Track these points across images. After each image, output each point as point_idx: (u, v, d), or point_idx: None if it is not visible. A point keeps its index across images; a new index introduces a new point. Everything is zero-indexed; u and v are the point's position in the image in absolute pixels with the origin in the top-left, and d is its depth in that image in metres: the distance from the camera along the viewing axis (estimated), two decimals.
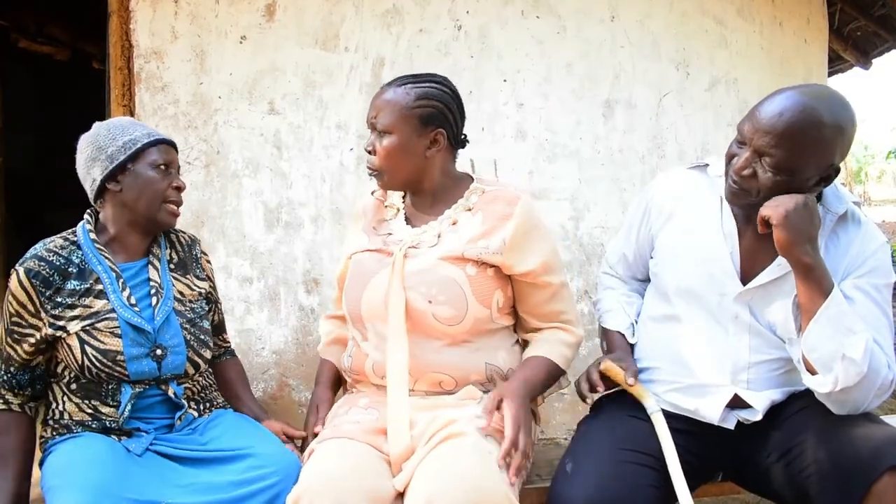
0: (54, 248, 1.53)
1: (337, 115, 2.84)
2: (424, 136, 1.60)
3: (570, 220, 3.04)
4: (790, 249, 1.40)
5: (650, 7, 3.12)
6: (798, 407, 1.54)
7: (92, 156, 1.55)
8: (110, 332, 1.48)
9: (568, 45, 2.98)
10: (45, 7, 4.92)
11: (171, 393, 1.55)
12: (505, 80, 2.91)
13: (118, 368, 1.48)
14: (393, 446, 1.47)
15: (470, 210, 1.66)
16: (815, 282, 1.40)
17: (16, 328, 1.50)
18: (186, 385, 1.60)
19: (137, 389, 1.52)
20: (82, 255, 1.53)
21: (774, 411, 1.57)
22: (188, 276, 1.67)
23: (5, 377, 1.54)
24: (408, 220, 1.72)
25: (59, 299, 1.49)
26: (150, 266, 1.59)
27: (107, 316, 1.49)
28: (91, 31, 4.86)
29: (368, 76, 2.84)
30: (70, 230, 1.59)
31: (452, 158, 1.71)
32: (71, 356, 1.48)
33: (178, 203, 1.61)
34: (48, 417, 1.56)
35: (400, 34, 2.84)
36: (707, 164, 1.68)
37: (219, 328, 1.82)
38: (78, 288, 1.50)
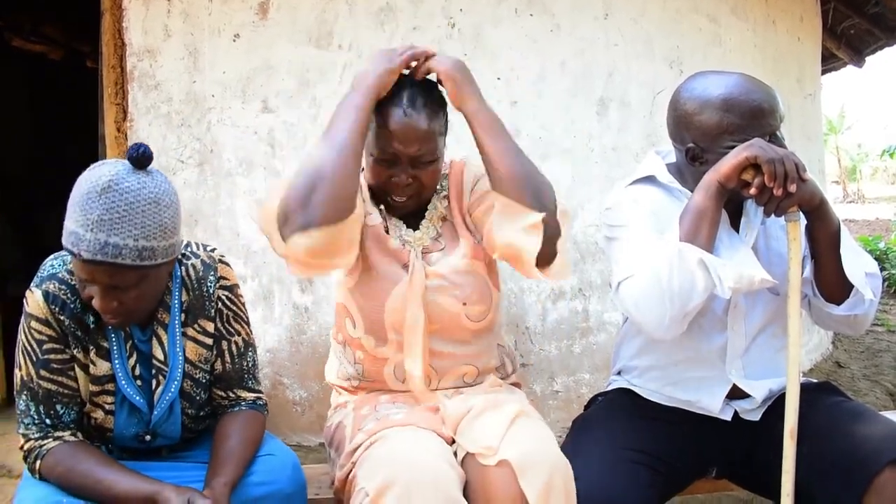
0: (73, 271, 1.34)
1: (331, 113, 2.82)
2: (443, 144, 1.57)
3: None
4: (812, 195, 1.41)
5: (644, 5, 3.12)
6: None
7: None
8: (105, 408, 1.37)
9: (562, 43, 2.98)
10: (39, 6, 4.91)
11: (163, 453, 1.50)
12: (499, 79, 2.91)
13: (104, 438, 1.42)
14: (450, 407, 1.47)
15: (447, 197, 1.64)
16: (829, 214, 1.45)
17: (52, 356, 1.33)
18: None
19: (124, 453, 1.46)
20: None
21: (771, 409, 1.57)
22: (199, 322, 1.44)
23: (52, 421, 1.33)
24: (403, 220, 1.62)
25: (76, 331, 1.33)
26: (154, 339, 1.40)
27: (106, 386, 1.37)
28: (84, 29, 4.84)
29: None
30: None
31: None
32: None
33: (109, 312, 1.28)
34: None
35: (394, 32, 2.84)
36: (652, 176, 1.68)
37: (228, 380, 1.50)
38: (91, 326, 1.35)
